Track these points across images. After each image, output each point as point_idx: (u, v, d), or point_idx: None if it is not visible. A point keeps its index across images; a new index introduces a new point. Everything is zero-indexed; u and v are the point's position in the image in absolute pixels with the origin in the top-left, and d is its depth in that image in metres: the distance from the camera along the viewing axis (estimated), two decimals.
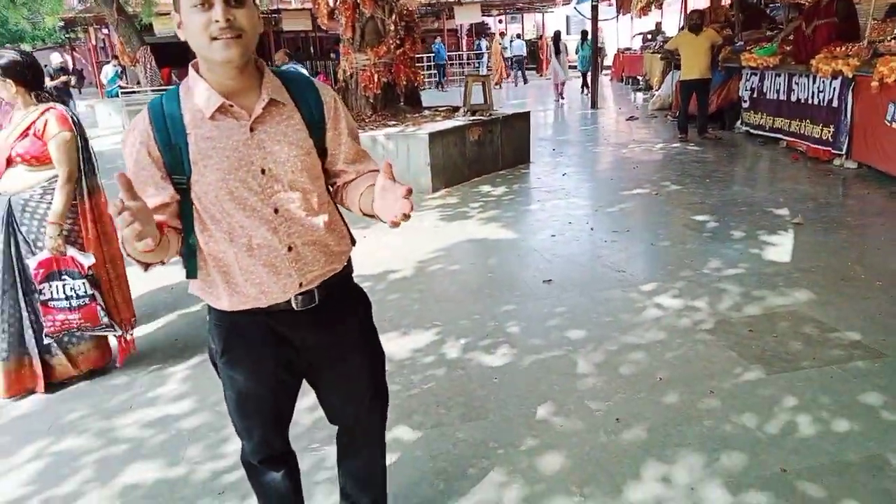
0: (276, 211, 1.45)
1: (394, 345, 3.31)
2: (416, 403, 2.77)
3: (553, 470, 2.30)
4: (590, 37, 14.54)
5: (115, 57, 18.59)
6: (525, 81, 22.76)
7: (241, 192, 1.42)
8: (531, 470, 2.30)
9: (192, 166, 1.39)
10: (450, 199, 6.51)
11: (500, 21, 32.11)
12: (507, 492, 2.19)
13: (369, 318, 1.76)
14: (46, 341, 2.98)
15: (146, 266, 1.39)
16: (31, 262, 2.89)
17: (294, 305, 1.52)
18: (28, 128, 2.86)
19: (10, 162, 2.90)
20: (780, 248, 4.52)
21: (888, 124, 6.08)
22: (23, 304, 2.96)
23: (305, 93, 1.50)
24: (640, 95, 15.94)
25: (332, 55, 19.16)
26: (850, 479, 2.15)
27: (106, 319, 3.03)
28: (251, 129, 1.42)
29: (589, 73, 14.84)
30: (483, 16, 27.74)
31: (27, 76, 2.89)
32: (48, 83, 10.59)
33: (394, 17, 8.22)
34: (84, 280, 2.94)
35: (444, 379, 2.97)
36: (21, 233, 2.92)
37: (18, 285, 2.95)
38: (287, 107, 1.46)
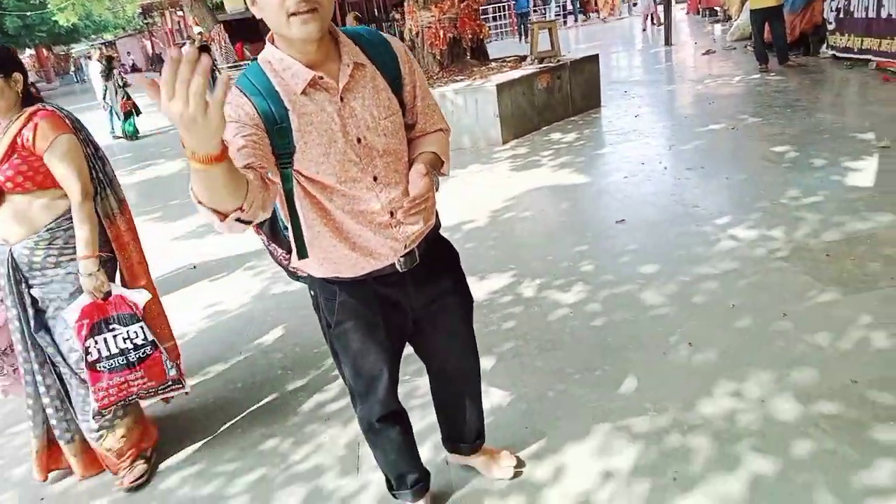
0: (374, 179, 1.48)
1: (472, 288, 3.49)
2: (495, 338, 2.98)
3: (627, 390, 2.46)
4: None
5: (190, 38, 19.44)
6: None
7: (342, 164, 1.43)
8: (606, 391, 2.47)
9: (296, 143, 1.38)
10: (520, 149, 6.59)
11: None
12: (583, 409, 2.38)
13: (459, 267, 1.85)
14: (95, 424, 2.32)
15: (222, 216, 1.16)
16: (69, 315, 2.19)
17: (399, 268, 1.58)
18: (13, 141, 2.12)
19: (0, 195, 2.14)
20: (864, 173, 4.37)
21: None
22: (68, 379, 2.30)
23: (379, 48, 1.50)
24: (717, 27, 15.17)
25: (397, 16, 19.20)
26: None
27: (173, 372, 2.36)
28: (342, 99, 1.42)
29: (661, 5, 14.32)
30: None
31: (8, 68, 2.14)
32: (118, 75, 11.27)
33: None
34: (142, 323, 2.28)
35: (521, 315, 3.16)
36: (35, 297, 2.23)
37: (50, 358, 2.28)
38: (368, 67, 1.46)
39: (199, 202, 1.13)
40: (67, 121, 2.20)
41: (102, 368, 2.22)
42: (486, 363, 2.78)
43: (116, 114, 11.39)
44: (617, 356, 2.69)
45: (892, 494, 1.82)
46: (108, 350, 2.23)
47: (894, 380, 2.26)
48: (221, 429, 2.66)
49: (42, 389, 2.30)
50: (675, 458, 2.08)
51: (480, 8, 9.05)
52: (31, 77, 2.39)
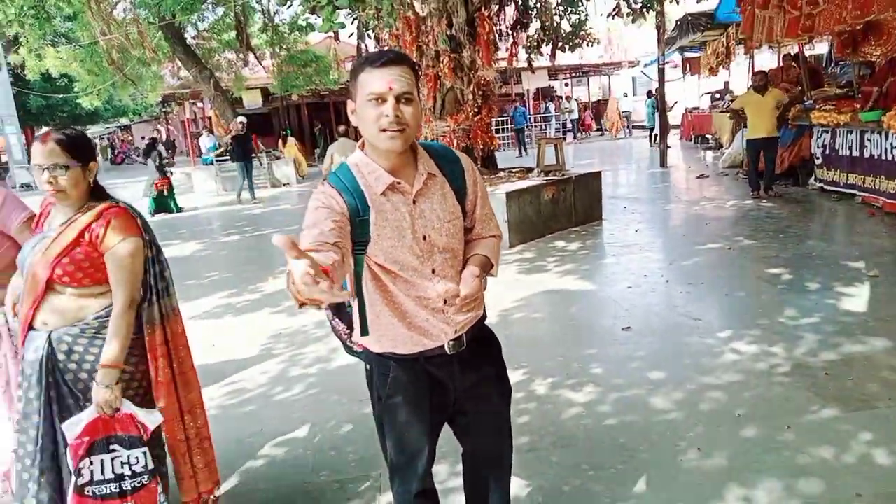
0: (433, 271, 1.70)
1: None
2: (518, 424, 3.08)
3: (640, 490, 2.55)
4: (654, 96, 15.00)
5: (207, 128, 20.32)
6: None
7: (406, 256, 1.66)
8: (620, 488, 2.56)
9: (372, 234, 1.62)
10: (527, 253, 6.88)
11: (567, 84, 33.00)
12: None
13: (501, 357, 1.96)
14: None
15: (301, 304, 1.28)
16: (69, 430, 2.03)
17: (447, 350, 1.75)
18: (79, 235, 2.04)
19: (50, 285, 2.06)
20: (857, 299, 4.63)
21: None
22: (68, 492, 2.07)
23: (451, 164, 1.77)
24: (709, 154, 16.04)
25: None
26: None
27: None
28: (413, 202, 1.67)
29: (656, 131, 15.22)
30: (550, 80, 28.72)
31: (87, 157, 2.09)
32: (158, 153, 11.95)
33: (472, 86, 8.88)
34: (145, 449, 2.10)
35: (534, 412, 3.28)
36: (67, 383, 2.08)
37: (63, 461, 2.10)
38: (438, 178, 1.72)
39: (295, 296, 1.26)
40: (138, 221, 2.15)
41: (90, 494, 2.03)
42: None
43: (148, 191, 12.02)
44: (630, 456, 2.79)
45: None
46: (103, 474, 2.05)
47: None
48: None
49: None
50: None
51: (491, 121, 9.67)
52: None
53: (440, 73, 8.74)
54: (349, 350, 1.92)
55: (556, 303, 5.16)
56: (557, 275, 5.92)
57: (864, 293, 4.73)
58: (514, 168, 9.43)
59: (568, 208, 8.11)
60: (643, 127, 19.16)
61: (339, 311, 1.87)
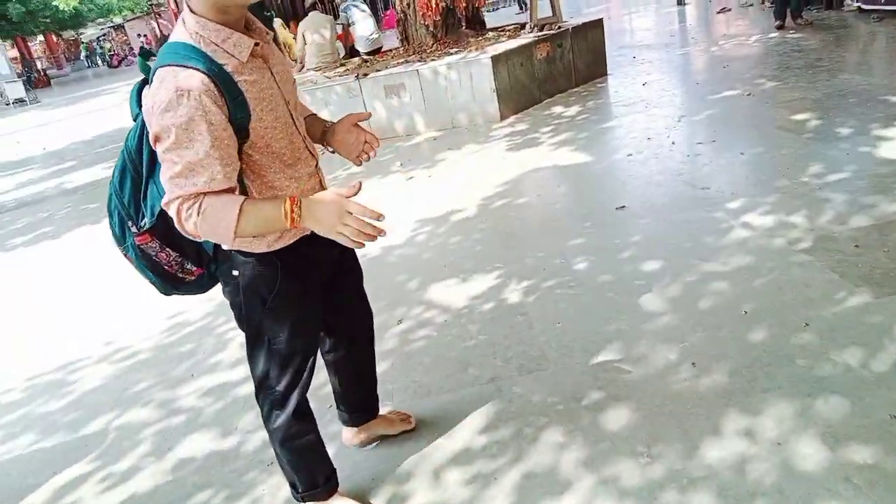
0: (304, 141, 1.56)
1: (452, 293, 3.15)
2: (472, 355, 2.61)
3: (618, 426, 2.08)
4: None
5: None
6: None
7: (285, 127, 1.46)
8: (593, 427, 2.09)
9: (252, 112, 1.37)
10: (519, 125, 6.13)
11: None
12: (564, 454, 2.01)
13: None
14: None
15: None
16: None
17: None
18: None
19: None
20: None
21: None
22: None
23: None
24: None
25: None
26: None
27: None
28: (271, 64, 1.45)
29: None
30: None
31: None
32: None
33: None
34: None
35: (503, 327, 2.78)
36: None
37: None
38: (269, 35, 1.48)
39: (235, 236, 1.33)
40: None
41: None
42: (456, 387, 2.42)
43: None
44: (609, 380, 2.31)
45: None
46: None
47: None
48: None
49: None
50: None
51: None
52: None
53: None
54: (174, 284, 1.66)
55: (545, 182, 4.53)
56: (551, 147, 5.22)
57: None
58: (504, 26, 8.40)
59: (566, 67, 7.20)
60: None
61: (171, 237, 1.52)
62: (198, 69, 1.26)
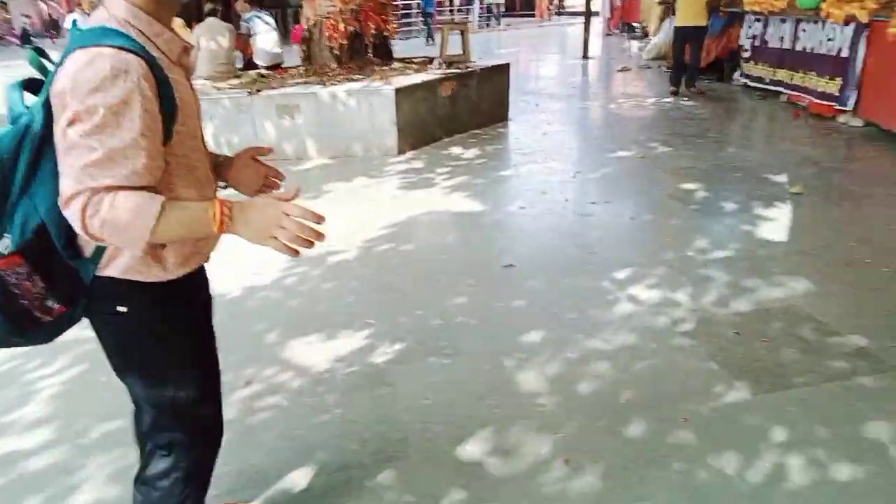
0: (206, 156, 1.41)
1: (313, 351, 2.80)
2: (323, 434, 2.27)
3: None
4: None
5: (79, 5, 17.59)
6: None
7: (200, 141, 1.36)
8: None
9: (178, 114, 1.23)
10: (416, 162, 5.90)
11: None
12: None
13: None
14: None
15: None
16: None
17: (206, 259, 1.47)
18: None
19: None
20: (777, 223, 3.98)
21: None
22: None
23: None
24: (635, 44, 15.09)
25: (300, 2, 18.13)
26: None
27: None
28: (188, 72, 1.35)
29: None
30: None
31: None
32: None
33: None
34: None
35: (364, 399, 2.46)
36: None
37: None
38: None
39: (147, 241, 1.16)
40: None
41: None
42: (299, 477, 2.06)
43: None
44: (474, 477, 2.04)
45: None
46: None
47: None
48: None
49: None
50: None
51: (390, 2, 8.30)
52: None
53: None
54: (22, 327, 1.28)
55: (435, 229, 4.29)
56: (445, 191, 5.01)
57: (786, 216, 4.08)
58: (412, 58, 8.23)
59: (470, 107, 7.09)
60: (575, 13, 17.74)
61: (46, 261, 1.23)
62: (135, 52, 1.13)
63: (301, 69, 7.63)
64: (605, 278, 3.35)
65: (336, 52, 7.48)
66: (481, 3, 24.16)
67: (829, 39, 6.60)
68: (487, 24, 23.82)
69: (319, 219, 1.22)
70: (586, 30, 12.96)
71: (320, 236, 1.22)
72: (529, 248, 3.84)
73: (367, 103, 6.21)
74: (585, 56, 12.81)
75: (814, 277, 3.25)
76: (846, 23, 6.25)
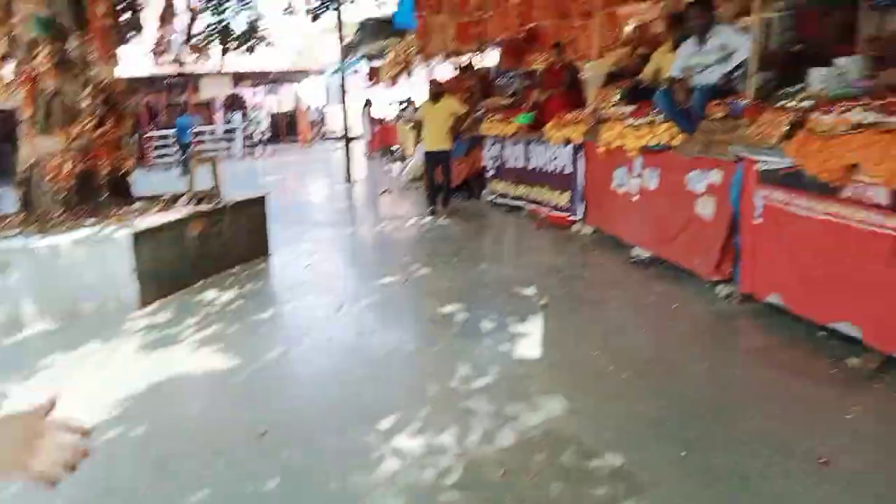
0: None
1: None
2: None
3: None
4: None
5: None
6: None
7: None
8: None
9: None
10: (162, 314, 5.26)
11: (255, 94, 31.06)
12: None
13: None
14: None
15: None
16: None
17: None
18: None
19: None
20: (530, 338, 4.11)
21: (614, 190, 6.24)
22: None
23: None
24: (395, 166, 15.93)
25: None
26: None
27: None
28: None
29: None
30: (237, 86, 26.67)
31: None
32: None
33: (89, 90, 6.86)
34: None
35: None
36: None
37: None
38: None
39: None
40: None
41: None
42: None
43: None
44: None
45: None
46: None
47: None
48: None
49: None
50: None
51: (131, 132, 7.69)
52: None
53: (39, 71, 6.58)
54: None
55: (177, 399, 3.72)
56: (193, 346, 4.46)
57: (537, 330, 4.25)
58: (157, 196, 7.63)
59: (225, 245, 6.65)
60: (337, 138, 18.47)
61: None
62: None
63: (17, 219, 6.62)
64: (371, 431, 3.09)
65: (62, 196, 6.64)
66: (244, 131, 24.09)
67: (555, 158, 7.45)
68: (252, 153, 23.69)
69: (85, 432, 1.03)
70: (347, 154, 13.37)
71: (84, 454, 1.01)
72: (289, 404, 3.47)
73: (99, 252, 5.49)
74: (349, 180, 13.13)
75: (567, 393, 3.32)
76: (565, 143, 7.11)
